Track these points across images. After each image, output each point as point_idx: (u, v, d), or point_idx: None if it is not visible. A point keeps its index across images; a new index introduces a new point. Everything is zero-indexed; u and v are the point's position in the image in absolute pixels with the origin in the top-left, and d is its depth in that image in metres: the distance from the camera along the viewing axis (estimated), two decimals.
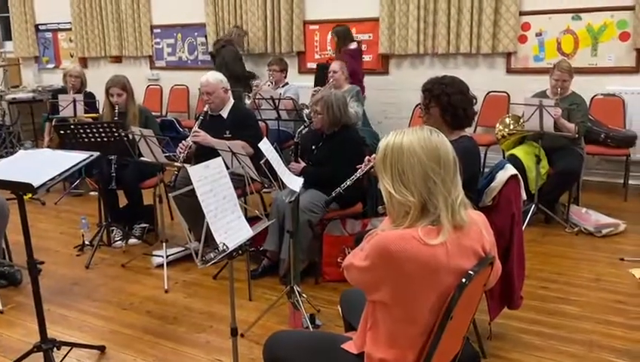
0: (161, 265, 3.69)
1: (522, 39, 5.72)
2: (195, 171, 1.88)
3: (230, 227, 1.94)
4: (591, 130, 4.94)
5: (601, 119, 5.19)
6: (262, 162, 2.83)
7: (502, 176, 2.60)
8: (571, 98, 4.49)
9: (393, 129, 1.62)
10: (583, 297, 3.28)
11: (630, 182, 5.21)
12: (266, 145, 2.78)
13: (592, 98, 5.33)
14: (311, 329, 2.84)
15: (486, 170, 3.40)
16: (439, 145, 1.53)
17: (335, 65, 5.32)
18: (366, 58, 6.47)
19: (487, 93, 5.88)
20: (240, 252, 1.97)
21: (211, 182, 1.91)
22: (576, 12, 5.44)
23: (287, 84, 5.78)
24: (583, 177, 4.88)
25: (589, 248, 4.01)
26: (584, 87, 4.86)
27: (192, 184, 1.91)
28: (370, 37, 6.42)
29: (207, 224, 1.87)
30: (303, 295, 3.01)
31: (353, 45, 5.84)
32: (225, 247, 1.86)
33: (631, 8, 5.18)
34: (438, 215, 1.50)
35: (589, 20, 5.41)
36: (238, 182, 2.48)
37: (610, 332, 2.88)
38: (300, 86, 6.05)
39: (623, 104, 5.32)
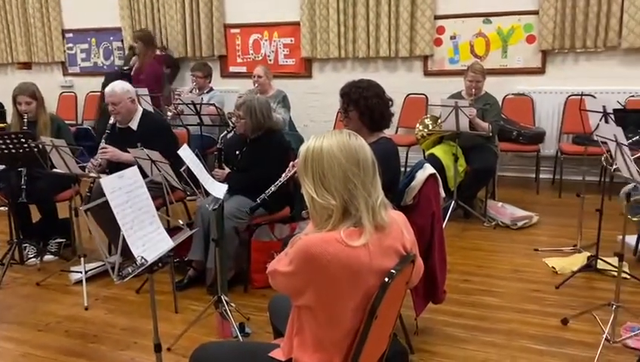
0: (80, 281, 3.51)
1: (438, 42, 5.94)
2: (109, 182, 1.79)
3: (149, 239, 1.86)
4: (504, 129, 5.21)
5: (512, 118, 5.49)
6: (182, 169, 2.75)
7: (421, 176, 2.67)
8: (485, 98, 4.70)
9: (319, 132, 1.63)
10: (502, 288, 3.43)
11: (541, 176, 5.54)
12: (185, 152, 2.70)
13: (504, 98, 5.62)
14: (240, 339, 2.79)
15: (408, 169, 3.50)
16: (358, 148, 1.55)
17: (259, 70, 5.29)
18: (289, 62, 6.49)
19: (407, 96, 6.05)
20: (160, 264, 1.90)
21: (126, 193, 1.82)
22: (487, 16, 5.72)
23: (211, 89, 5.67)
24: (498, 173, 5.14)
25: (506, 241, 4.21)
26: (496, 88, 5.12)
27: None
28: (292, 41, 6.44)
29: (124, 237, 1.79)
30: (232, 304, 2.95)
31: (158, 51, 6.06)
32: (143, 261, 1.78)
33: (535, 12, 5.51)
34: (359, 217, 1.51)
35: (499, 24, 5.70)
36: (159, 191, 2.39)
37: (528, 320, 3.03)
38: (223, 90, 5.96)
39: (532, 103, 5.66)
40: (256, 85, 5.30)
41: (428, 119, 4.82)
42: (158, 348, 2.14)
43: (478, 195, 4.81)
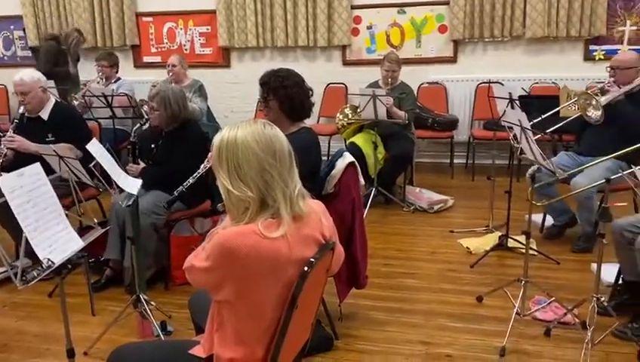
0: None
1: (355, 32, 6.02)
2: (7, 181, 1.66)
3: (56, 240, 1.75)
4: (419, 116, 5.38)
5: (427, 106, 5.67)
6: (92, 165, 2.61)
7: (341, 164, 2.70)
8: (401, 87, 4.83)
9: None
10: (421, 270, 3.56)
11: (455, 161, 5.77)
12: (95, 147, 2.56)
13: (419, 86, 5.80)
14: (162, 338, 2.71)
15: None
16: (273, 138, 1.53)
17: (174, 59, 5.12)
18: (206, 51, 6.34)
19: (327, 85, 6.10)
20: (70, 266, 1.79)
21: (28, 192, 1.70)
22: (401, 6, 5.86)
23: (119, 79, 5.41)
24: (416, 159, 5.31)
25: (424, 224, 4.37)
26: (411, 77, 5.27)
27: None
28: (208, 29, 6.29)
29: (27, 239, 1.67)
30: (152, 302, 2.86)
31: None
32: (50, 263, 1.67)
33: (447, 3, 5.70)
34: (277, 208, 1.50)
35: (413, 14, 5.86)
36: (68, 188, 2.25)
37: (445, 299, 3.16)
38: (137, 81, 5.73)
39: (445, 91, 5.88)
40: (170, 75, 5.12)
41: (348, 108, 4.89)
42: (70, 354, 2.03)
43: (397, 181, 4.95)
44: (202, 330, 1.88)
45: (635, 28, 5.43)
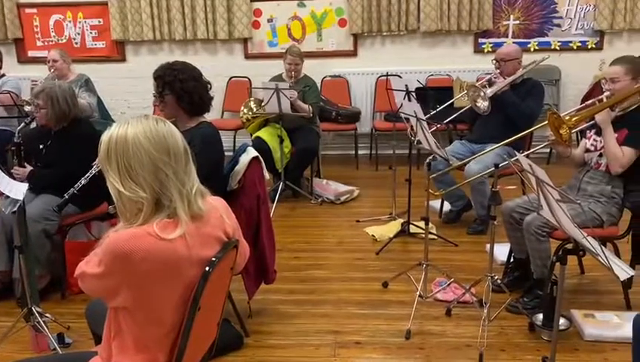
0: None
1: (256, 25, 5.96)
2: None
3: None
4: (324, 109, 5.45)
5: (331, 98, 5.76)
6: None
7: (244, 159, 2.67)
8: (304, 81, 4.85)
9: None
10: (329, 260, 3.61)
11: (360, 152, 5.91)
12: None
13: (322, 80, 5.87)
14: (59, 351, 2.54)
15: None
16: (167, 134, 1.46)
17: (54, 54, 4.77)
18: (99, 45, 6.01)
19: (230, 79, 6.00)
20: None
21: None
22: None
23: (3, 75, 4.97)
24: (322, 152, 5.37)
25: (331, 215, 4.44)
26: (314, 70, 5.32)
27: None
28: (100, 22, 5.96)
29: None
30: (47, 314, 2.67)
31: None
32: None
33: None
34: (174, 207, 1.44)
35: (313, 7, 5.91)
36: None
37: (353, 287, 3.23)
38: (23, 77, 5.30)
39: (347, 84, 5.99)
40: (52, 70, 4.77)
41: (252, 102, 4.84)
42: None
43: (304, 174, 4.98)
44: (102, 340, 1.78)
45: (518, 22, 5.84)
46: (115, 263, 1.37)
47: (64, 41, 5.97)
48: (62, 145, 3.14)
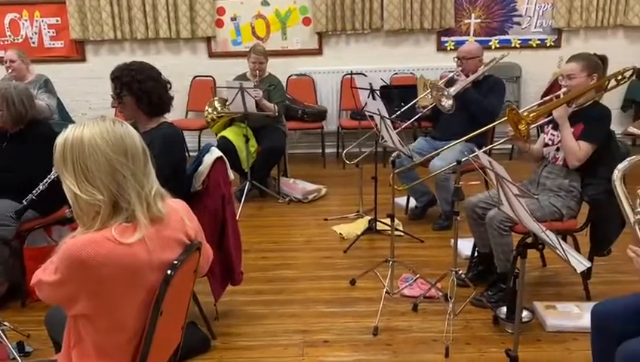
0: None
1: (219, 23, 5.90)
2: None
3: None
4: (290, 108, 5.44)
5: (297, 97, 5.75)
6: None
7: (208, 160, 2.63)
8: (269, 79, 4.82)
9: None
10: (297, 260, 3.61)
11: (327, 151, 5.92)
12: None
13: (288, 78, 5.85)
14: (19, 360, 2.47)
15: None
16: (124, 135, 1.43)
17: (12, 54, 4.63)
18: (57, 44, 5.85)
19: (194, 78, 5.93)
20: None
21: None
22: None
23: None
24: (289, 151, 5.35)
25: (299, 214, 4.43)
26: (280, 69, 5.30)
27: None
28: (58, 21, 5.80)
29: None
30: (5, 323, 2.59)
31: None
32: None
33: None
34: (132, 211, 1.41)
35: (277, 6, 5.88)
36: None
37: (321, 286, 3.23)
38: None
39: (313, 82, 5.99)
40: (10, 71, 4.63)
41: (216, 101, 4.78)
42: None
43: (271, 174, 4.96)
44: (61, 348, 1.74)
45: (479, 20, 5.94)
46: (71, 270, 1.33)
47: (20, 40, 5.80)
48: (19, 148, 3.04)
